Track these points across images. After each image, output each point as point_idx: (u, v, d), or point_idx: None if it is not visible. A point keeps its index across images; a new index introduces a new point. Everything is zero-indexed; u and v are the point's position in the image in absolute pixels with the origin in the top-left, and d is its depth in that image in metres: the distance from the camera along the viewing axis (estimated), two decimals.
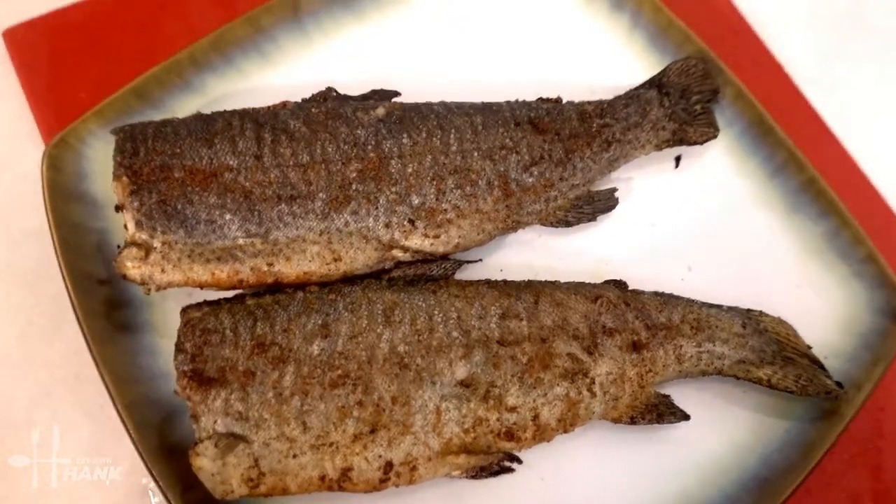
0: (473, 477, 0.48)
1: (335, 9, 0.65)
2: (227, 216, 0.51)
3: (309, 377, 0.48)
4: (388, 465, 0.47)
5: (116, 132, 0.52)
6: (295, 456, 0.45)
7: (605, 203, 0.59)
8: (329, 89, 0.57)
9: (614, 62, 0.67)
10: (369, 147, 0.55)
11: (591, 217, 0.58)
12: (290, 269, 0.51)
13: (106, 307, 0.52)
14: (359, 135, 0.55)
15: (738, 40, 0.71)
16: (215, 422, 0.41)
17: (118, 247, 0.50)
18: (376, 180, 0.54)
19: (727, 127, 0.64)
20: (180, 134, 0.53)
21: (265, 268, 0.51)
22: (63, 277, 0.46)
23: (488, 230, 0.55)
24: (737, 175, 0.64)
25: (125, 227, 0.50)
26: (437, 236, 0.53)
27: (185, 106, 0.59)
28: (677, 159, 0.64)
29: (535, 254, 0.60)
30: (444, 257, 0.55)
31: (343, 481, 0.46)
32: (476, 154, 0.56)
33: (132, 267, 0.50)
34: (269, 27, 0.63)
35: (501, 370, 0.51)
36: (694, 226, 0.63)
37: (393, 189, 0.53)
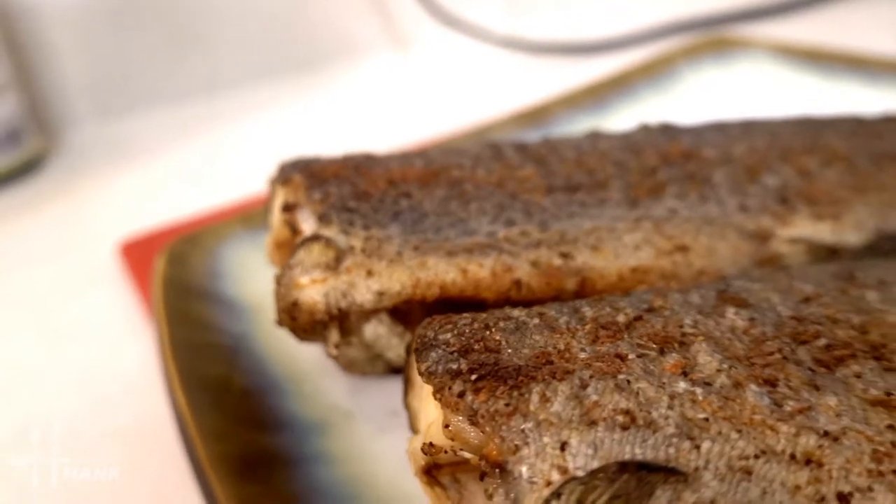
0: None
1: None
2: (472, 206, 0.30)
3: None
4: None
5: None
6: None
7: None
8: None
9: None
10: (660, 143, 0.36)
11: None
12: (602, 261, 0.28)
13: (242, 426, 0.28)
14: (633, 138, 0.37)
15: None
16: None
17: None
18: (690, 160, 0.34)
19: None
20: (376, 159, 0.34)
21: (559, 262, 0.28)
22: (169, 380, 0.29)
23: None
24: None
25: (291, 232, 0.30)
26: (836, 216, 0.31)
27: None
28: None
29: None
30: None
31: None
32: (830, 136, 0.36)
33: (311, 282, 0.27)
34: None
35: None
36: None
37: (723, 170, 0.34)
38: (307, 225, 0.30)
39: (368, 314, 0.28)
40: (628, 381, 0.19)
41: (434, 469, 0.23)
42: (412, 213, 0.30)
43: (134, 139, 0.70)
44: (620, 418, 0.18)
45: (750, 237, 0.31)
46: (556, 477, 0.17)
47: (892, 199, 0.33)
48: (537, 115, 0.52)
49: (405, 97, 0.74)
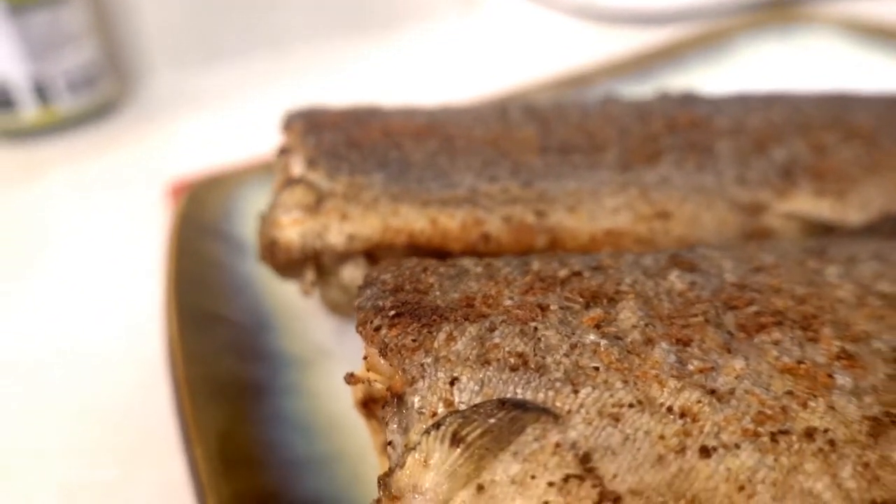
0: None
1: None
2: (460, 161, 0.31)
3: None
4: None
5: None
6: None
7: None
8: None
9: None
10: (672, 111, 0.36)
11: None
12: (576, 222, 0.28)
13: (226, 354, 0.31)
14: (647, 105, 0.36)
15: None
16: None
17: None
18: (698, 129, 0.34)
19: None
20: (381, 112, 0.36)
21: (532, 220, 0.28)
22: (166, 308, 0.32)
23: None
24: None
25: (284, 174, 0.31)
26: (840, 194, 0.30)
27: None
28: None
29: None
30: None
31: None
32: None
33: (290, 222, 0.28)
34: None
35: None
36: None
37: (730, 140, 0.33)
38: (297, 168, 0.31)
39: (343, 256, 0.29)
40: (536, 329, 0.20)
41: (371, 402, 0.24)
42: (399, 163, 0.31)
43: (206, 89, 0.74)
44: (512, 360, 0.19)
45: (740, 209, 0.30)
46: (441, 409, 0.18)
47: None
48: (577, 82, 0.51)
49: (468, 61, 0.75)
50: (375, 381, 0.21)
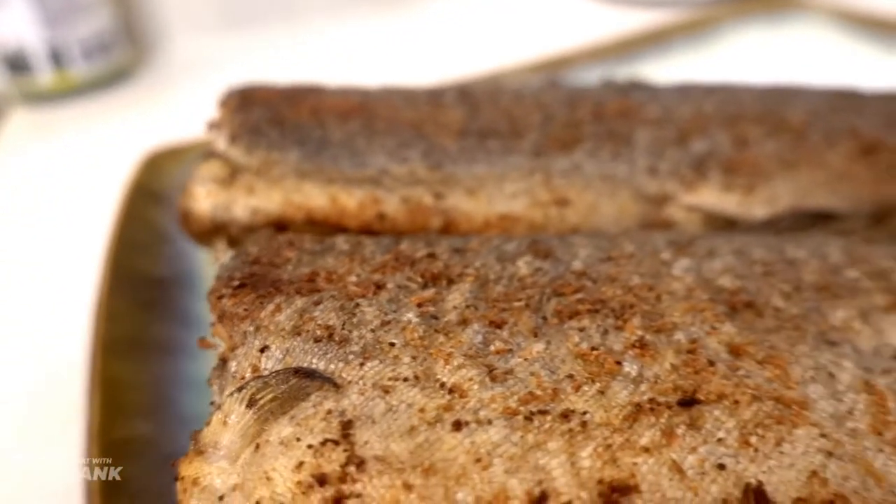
0: None
1: None
2: (377, 142, 0.32)
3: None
4: None
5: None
6: None
7: None
8: None
9: None
10: (607, 97, 0.36)
11: None
12: (473, 205, 0.29)
13: (148, 314, 0.32)
14: (585, 91, 0.37)
15: None
16: None
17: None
18: (625, 118, 0.34)
19: None
20: (318, 90, 0.37)
21: (429, 201, 0.29)
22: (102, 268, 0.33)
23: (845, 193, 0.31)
24: None
25: (210, 151, 0.33)
26: (749, 188, 0.30)
27: None
28: None
29: None
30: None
31: None
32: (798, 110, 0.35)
33: (204, 194, 0.30)
34: None
35: None
36: None
37: (651, 131, 0.33)
38: (221, 143, 0.33)
39: (250, 229, 0.31)
40: (357, 305, 0.21)
41: None
42: (318, 141, 0.33)
43: (221, 57, 0.76)
44: (319, 332, 0.20)
45: (643, 199, 0.31)
46: (248, 374, 0.20)
47: (825, 179, 0.31)
48: (560, 65, 0.52)
49: (474, 35, 0.75)
50: (218, 346, 0.23)
